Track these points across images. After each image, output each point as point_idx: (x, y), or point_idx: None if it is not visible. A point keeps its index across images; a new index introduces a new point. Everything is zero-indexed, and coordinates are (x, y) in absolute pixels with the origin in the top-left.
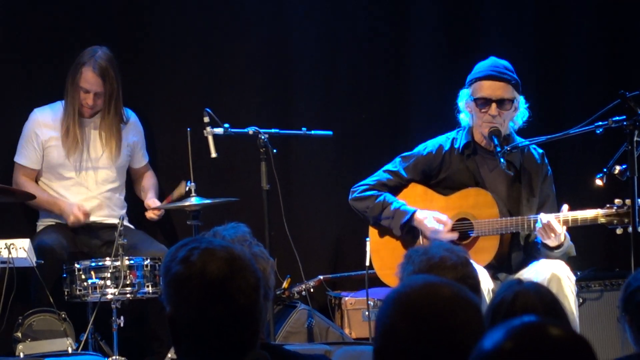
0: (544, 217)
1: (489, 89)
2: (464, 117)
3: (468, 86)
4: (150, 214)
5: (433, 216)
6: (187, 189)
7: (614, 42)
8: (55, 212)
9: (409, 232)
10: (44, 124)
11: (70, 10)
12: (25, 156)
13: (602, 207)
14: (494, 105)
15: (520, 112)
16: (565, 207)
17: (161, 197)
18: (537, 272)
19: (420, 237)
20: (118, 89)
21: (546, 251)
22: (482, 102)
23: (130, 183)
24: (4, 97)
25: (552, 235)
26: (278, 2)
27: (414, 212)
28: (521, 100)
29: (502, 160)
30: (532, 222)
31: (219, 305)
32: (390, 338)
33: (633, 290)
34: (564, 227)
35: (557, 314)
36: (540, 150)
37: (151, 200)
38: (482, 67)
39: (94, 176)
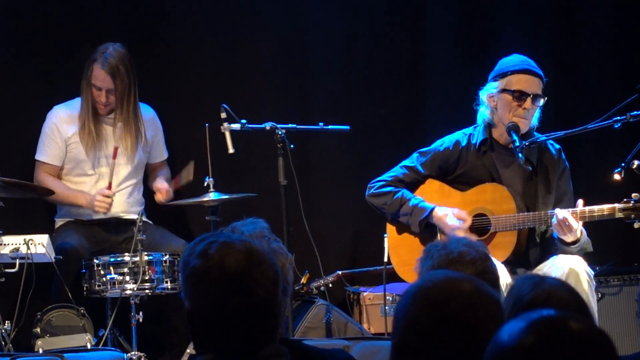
0: (559, 213)
1: (526, 82)
2: (482, 111)
3: (498, 79)
4: (158, 196)
5: (453, 213)
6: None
7: (631, 37)
8: (81, 204)
9: (426, 228)
10: (65, 120)
11: (87, 6)
12: (47, 153)
13: (619, 201)
14: (529, 99)
15: (538, 111)
16: (580, 201)
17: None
18: (555, 267)
19: (439, 234)
20: (131, 85)
21: (563, 247)
22: (518, 95)
23: (146, 179)
24: (23, 95)
25: (568, 231)
26: None
27: (433, 208)
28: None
29: (520, 155)
30: (549, 217)
31: (237, 298)
32: (412, 332)
33: None
34: (580, 223)
35: (586, 310)
36: (558, 146)
37: (160, 183)
38: (513, 61)
39: (115, 172)
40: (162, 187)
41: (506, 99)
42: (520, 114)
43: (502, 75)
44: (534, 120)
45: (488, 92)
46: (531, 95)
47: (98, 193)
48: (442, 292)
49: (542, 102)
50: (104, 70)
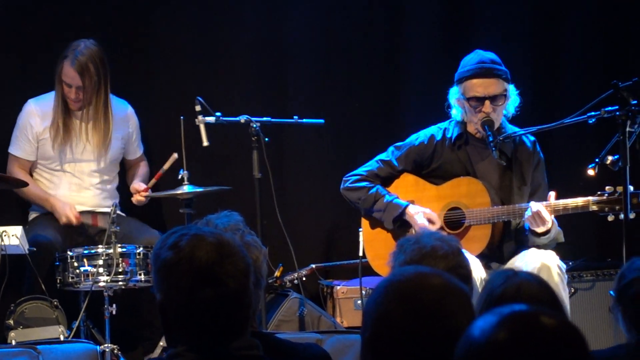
0: (534, 206)
1: (480, 86)
2: (455, 112)
3: (457, 84)
4: (137, 197)
5: (424, 213)
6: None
7: (608, 32)
8: (47, 209)
9: (400, 225)
10: (38, 114)
11: (63, 0)
12: (20, 148)
13: (593, 194)
14: (487, 102)
15: (512, 100)
16: (552, 194)
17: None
18: (527, 261)
19: (412, 228)
20: (100, 82)
21: (534, 238)
22: (475, 101)
23: (124, 173)
24: None
25: (541, 223)
26: None
27: (407, 206)
28: (511, 89)
29: (494, 150)
30: (523, 210)
31: (208, 289)
32: (383, 325)
33: (628, 281)
34: (553, 215)
35: (557, 304)
36: (532, 138)
37: (137, 184)
38: (469, 63)
39: (84, 168)
40: (140, 188)
41: (467, 106)
42: (481, 117)
43: (459, 81)
44: (511, 110)
45: (454, 96)
46: (488, 98)
47: (71, 209)
48: (412, 285)
49: (504, 100)
50: (73, 68)
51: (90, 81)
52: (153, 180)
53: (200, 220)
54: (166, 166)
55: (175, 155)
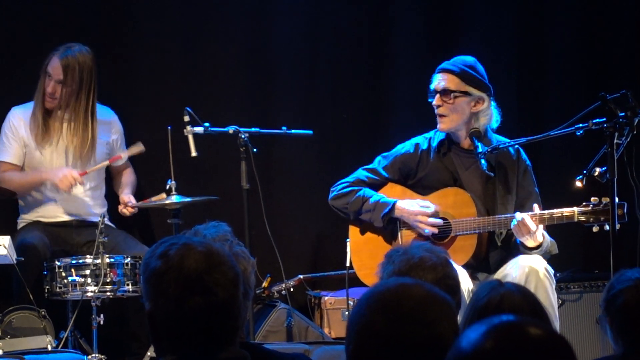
0: (518, 215)
1: (435, 81)
2: None
3: None
4: (123, 210)
5: (415, 204)
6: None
7: (595, 44)
8: (45, 179)
9: (389, 224)
10: (23, 120)
11: (50, 8)
12: (7, 152)
13: (579, 205)
14: (437, 96)
15: (490, 115)
16: (535, 206)
17: (139, 196)
18: (515, 267)
19: (399, 235)
20: (83, 88)
21: (526, 252)
22: (430, 96)
23: (110, 181)
24: None
25: (527, 233)
26: (260, 1)
27: (395, 202)
28: (488, 102)
29: (482, 161)
30: (508, 220)
31: (197, 298)
32: (368, 336)
33: (616, 292)
34: (541, 226)
35: (542, 315)
36: (516, 146)
37: (127, 196)
38: None
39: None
40: (129, 203)
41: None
42: (436, 112)
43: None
44: (493, 124)
45: None
46: (438, 92)
47: (69, 171)
48: (395, 295)
49: (457, 96)
50: (59, 60)
51: (71, 81)
52: (142, 203)
53: (188, 230)
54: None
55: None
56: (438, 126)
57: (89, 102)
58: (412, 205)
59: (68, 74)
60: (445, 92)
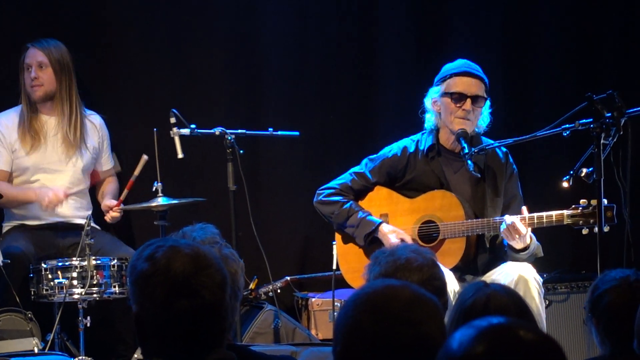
0: (508, 219)
1: (464, 84)
2: (429, 117)
3: (439, 83)
4: (111, 214)
5: (397, 233)
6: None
7: (582, 44)
8: (31, 199)
9: (371, 242)
10: (9, 125)
11: (33, 11)
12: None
13: (568, 208)
14: (468, 100)
15: (485, 116)
16: (523, 208)
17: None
18: (505, 274)
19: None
20: (64, 75)
21: (513, 254)
22: (457, 97)
23: (93, 189)
24: None
25: (517, 236)
26: (246, 3)
27: (380, 223)
28: (486, 103)
29: (469, 162)
30: (497, 223)
31: (184, 300)
32: (355, 337)
33: (600, 293)
34: (529, 229)
35: (527, 316)
36: (505, 149)
37: (109, 201)
38: (455, 65)
39: (56, 178)
40: (112, 204)
41: (447, 102)
42: (460, 115)
43: (443, 79)
44: (483, 124)
45: (431, 97)
46: (470, 97)
47: (53, 191)
48: (381, 296)
49: (484, 103)
50: (35, 47)
51: (54, 63)
52: (125, 191)
53: (176, 233)
54: (137, 171)
55: (145, 157)
56: (458, 127)
57: (72, 91)
58: (393, 236)
59: (47, 55)
60: (476, 99)
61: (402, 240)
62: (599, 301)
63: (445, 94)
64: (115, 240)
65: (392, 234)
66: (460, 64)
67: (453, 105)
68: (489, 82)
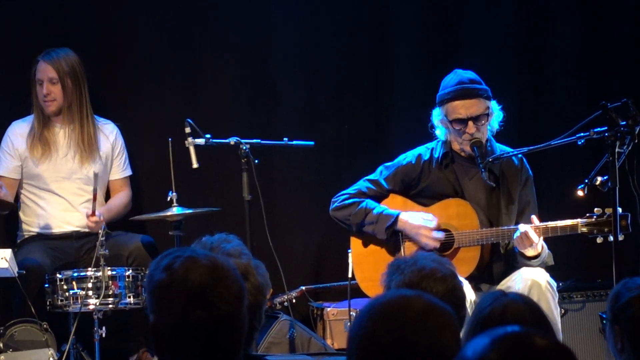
0: (522, 227)
1: (462, 108)
2: (439, 133)
3: (439, 106)
4: (87, 222)
5: (419, 215)
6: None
7: (595, 52)
8: None
9: (391, 240)
10: (20, 134)
11: (47, 21)
12: (4, 166)
13: (582, 217)
14: (470, 123)
15: (495, 116)
16: (533, 217)
17: (138, 211)
18: (518, 279)
19: (402, 248)
20: (77, 85)
21: (524, 260)
22: (458, 123)
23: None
24: None
25: (528, 244)
26: (259, 12)
27: (398, 214)
28: (493, 105)
29: (483, 172)
30: (511, 232)
31: (200, 311)
32: (370, 346)
33: (624, 302)
34: (541, 237)
35: (545, 325)
36: (519, 155)
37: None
38: (449, 85)
39: (69, 186)
40: (88, 213)
41: (451, 127)
42: (467, 138)
43: (441, 103)
44: (495, 125)
45: (437, 118)
46: (471, 119)
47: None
48: (395, 306)
49: (487, 117)
50: (45, 61)
51: (65, 77)
52: (93, 203)
53: (199, 241)
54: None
55: (95, 171)
56: (468, 147)
57: (85, 100)
58: (415, 219)
59: (57, 70)
60: (477, 118)
61: (425, 219)
62: (623, 310)
63: (446, 120)
64: (123, 233)
65: (413, 217)
66: (454, 82)
67: (457, 131)
68: (494, 86)
